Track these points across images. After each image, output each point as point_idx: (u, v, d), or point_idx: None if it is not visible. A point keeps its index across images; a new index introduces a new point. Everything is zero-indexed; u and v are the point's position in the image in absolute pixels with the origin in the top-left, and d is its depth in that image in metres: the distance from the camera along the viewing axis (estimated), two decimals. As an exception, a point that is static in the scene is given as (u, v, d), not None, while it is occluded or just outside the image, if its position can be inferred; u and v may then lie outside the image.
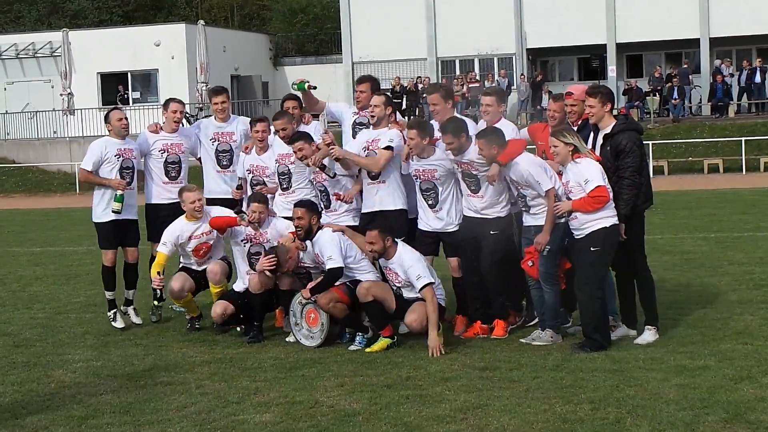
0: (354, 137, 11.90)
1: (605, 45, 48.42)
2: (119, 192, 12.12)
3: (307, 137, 11.51)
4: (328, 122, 12.55)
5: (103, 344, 11.49)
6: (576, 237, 10.19)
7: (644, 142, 11.05)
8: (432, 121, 11.45)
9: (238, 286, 11.79)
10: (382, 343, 10.56)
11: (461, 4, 49.03)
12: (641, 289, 10.73)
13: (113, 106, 13.01)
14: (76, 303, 14.35)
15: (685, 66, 46.60)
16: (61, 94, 49.03)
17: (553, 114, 11.16)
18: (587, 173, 10.01)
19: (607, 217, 10.04)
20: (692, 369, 9.25)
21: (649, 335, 10.50)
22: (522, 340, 10.70)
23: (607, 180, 10.10)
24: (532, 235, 10.49)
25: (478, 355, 10.13)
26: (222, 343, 11.36)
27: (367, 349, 10.47)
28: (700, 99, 47.19)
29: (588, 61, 49.19)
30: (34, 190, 44.97)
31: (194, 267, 12.11)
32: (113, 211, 12.17)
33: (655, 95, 44.45)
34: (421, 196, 11.16)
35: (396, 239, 10.71)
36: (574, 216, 10.08)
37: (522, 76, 48.15)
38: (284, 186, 12.05)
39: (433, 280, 10.48)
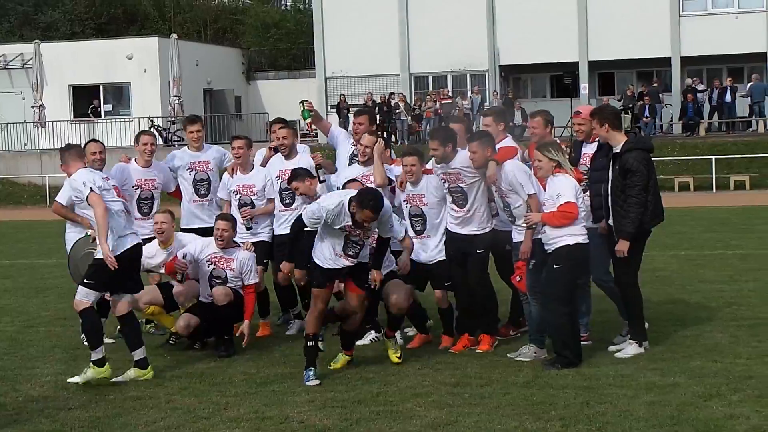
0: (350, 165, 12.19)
1: (577, 63, 48.63)
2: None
3: (302, 175, 11.70)
4: (326, 142, 12.98)
5: (73, 358, 11.42)
6: (546, 252, 10.26)
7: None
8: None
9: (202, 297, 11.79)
10: (343, 360, 10.53)
11: (435, 20, 49.12)
12: (628, 304, 10.81)
13: (91, 139, 12.62)
14: (46, 316, 14.27)
15: (656, 84, 46.85)
16: (32, 106, 48.86)
17: (532, 130, 11.38)
18: (560, 188, 10.09)
19: (571, 235, 10.09)
20: (662, 386, 9.29)
21: (630, 349, 10.56)
22: (509, 355, 10.72)
23: (581, 198, 10.21)
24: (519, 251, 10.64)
25: (449, 371, 10.13)
26: (192, 357, 11.31)
27: (330, 366, 10.39)
28: (671, 117, 47.46)
29: (560, 78, 49.32)
30: (4, 202, 44.70)
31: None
32: None
33: (627, 113, 44.62)
34: (409, 223, 11.25)
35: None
36: (544, 230, 10.17)
37: (495, 93, 48.29)
38: (287, 201, 12.19)
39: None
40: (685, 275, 16.08)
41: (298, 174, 11.72)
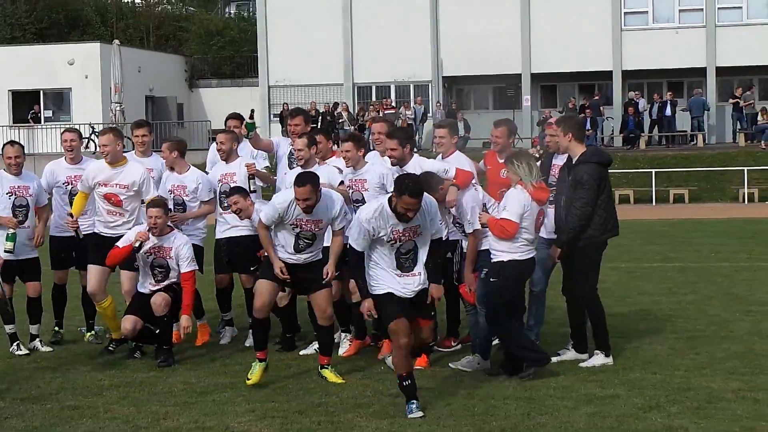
0: (291, 167, 12.18)
1: (520, 75, 48.92)
2: (11, 231, 11.60)
3: (243, 192, 11.68)
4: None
5: (9, 366, 11.28)
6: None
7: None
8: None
9: (143, 289, 11.50)
10: (260, 369, 10.15)
11: (378, 30, 49.19)
12: (590, 316, 10.83)
13: (8, 141, 12.44)
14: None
15: (597, 97, 47.24)
16: (-30, 111, 48.34)
17: (495, 140, 11.38)
18: (509, 202, 10.08)
19: (507, 252, 10.06)
20: (602, 398, 9.33)
21: (598, 359, 10.64)
22: (451, 365, 10.72)
23: (529, 219, 10.15)
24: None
25: (390, 381, 10.10)
26: (131, 366, 11.21)
27: (248, 381, 10.02)
28: (612, 130, 47.87)
29: (503, 90, 49.62)
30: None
31: (106, 231, 11.79)
32: (6, 251, 11.57)
33: (538, 125, 44.92)
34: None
35: None
36: (487, 237, 10.23)
37: (438, 104, 48.43)
38: (225, 205, 12.04)
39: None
40: (624, 287, 16.20)
41: (240, 191, 11.68)
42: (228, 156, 12.35)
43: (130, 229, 11.53)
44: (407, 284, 9.29)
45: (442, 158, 11.23)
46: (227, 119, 13.06)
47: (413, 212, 8.99)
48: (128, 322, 11.20)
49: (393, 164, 10.93)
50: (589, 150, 10.68)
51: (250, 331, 12.09)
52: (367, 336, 11.67)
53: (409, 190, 8.93)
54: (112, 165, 11.70)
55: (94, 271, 11.73)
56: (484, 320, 10.46)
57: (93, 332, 12.62)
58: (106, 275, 11.80)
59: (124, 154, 12.03)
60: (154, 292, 11.31)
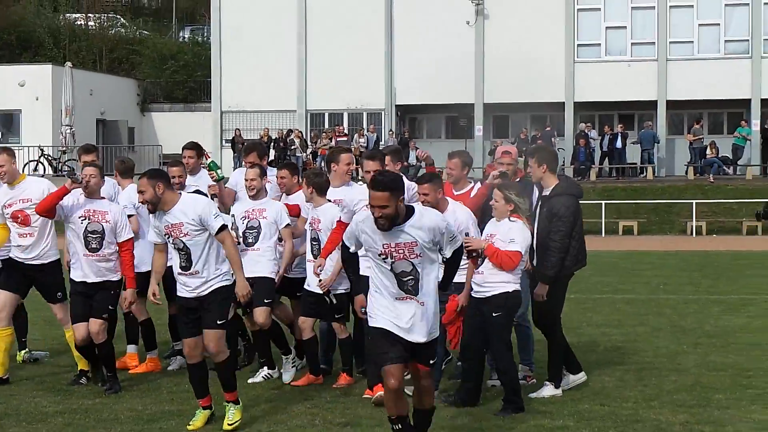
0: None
1: (473, 104, 49.14)
2: None
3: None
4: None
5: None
6: (475, 296, 10.01)
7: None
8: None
9: (76, 274, 11.14)
10: (203, 416, 9.67)
11: (332, 57, 49.26)
12: (550, 346, 10.86)
13: None
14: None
15: (549, 128, 47.52)
16: None
17: (449, 171, 11.30)
18: (516, 235, 9.87)
19: (511, 282, 9.93)
20: (551, 429, 9.33)
21: (547, 390, 10.65)
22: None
23: (528, 252, 10.15)
24: None
25: (339, 410, 10.05)
26: (77, 393, 11.06)
27: (189, 427, 9.59)
28: (563, 161, 48.12)
29: (456, 119, 49.82)
30: None
31: (20, 256, 11.49)
32: None
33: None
34: (309, 246, 11.24)
35: None
36: (481, 270, 9.92)
37: (390, 132, 48.52)
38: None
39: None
40: (573, 318, 16.20)
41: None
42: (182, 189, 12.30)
43: (45, 253, 11.42)
44: (404, 314, 8.09)
45: (454, 191, 11.05)
46: (183, 149, 12.91)
47: (379, 211, 7.88)
48: (79, 331, 10.98)
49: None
50: (563, 182, 10.73)
51: (177, 357, 12.30)
52: (320, 375, 11.52)
53: (373, 181, 8.07)
54: (11, 184, 11.59)
55: (1, 296, 11.56)
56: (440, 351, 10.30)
57: (28, 350, 12.56)
58: (12, 302, 11.59)
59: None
60: (90, 267, 10.97)
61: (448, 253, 8.26)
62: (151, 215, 9.70)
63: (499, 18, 48.76)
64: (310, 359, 11.55)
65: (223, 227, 9.36)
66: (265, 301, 11.16)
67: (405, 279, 8.05)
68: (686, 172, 46.22)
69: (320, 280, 10.94)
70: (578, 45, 48.82)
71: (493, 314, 9.89)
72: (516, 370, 10.35)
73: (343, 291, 11.14)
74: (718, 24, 47.93)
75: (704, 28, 48.07)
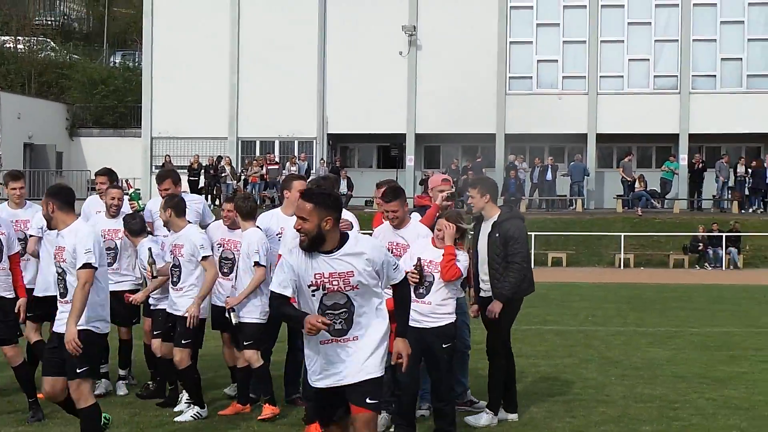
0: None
1: (405, 135, 49.25)
2: None
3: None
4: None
5: None
6: (418, 326, 9.62)
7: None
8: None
9: None
10: None
11: (264, 85, 49.15)
12: (492, 371, 10.84)
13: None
14: None
15: (480, 160, 47.69)
16: None
17: (377, 201, 11.24)
18: (462, 258, 9.87)
19: (455, 312, 9.89)
20: (478, 461, 9.24)
21: (483, 418, 10.65)
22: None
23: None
24: None
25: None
26: (-6, 421, 10.79)
27: None
28: (494, 192, 48.22)
29: (387, 149, 49.90)
30: None
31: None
32: None
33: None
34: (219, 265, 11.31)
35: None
36: (428, 300, 9.71)
37: (322, 161, 48.44)
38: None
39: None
40: (503, 349, 16.20)
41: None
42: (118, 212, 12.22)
43: None
44: (331, 357, 7.21)
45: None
46: (96, 174, 12.74)
47: (299, 224, 7.08)
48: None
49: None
50: (506, 209, 10.89)
51: (120, 382, 12.14)
52: (248, 405, 11.33)
53: (305, 192, 7.40)
54: None
55: None
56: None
57: None
58: None
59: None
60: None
61: (398, 276, 7.39)
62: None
63: (431, 49, 48.98)
64: (239, 387, 11.38)
65: (85, 266, 8.64)
66: (183, 342, 10.92)
67: (336, 313, 7.12)
68: (615, 205, 46.60)
69: (228, 302, 10.97)
70: (510, 77, 49.17)
71: (444, 345, 9.76)
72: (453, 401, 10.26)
73: (255, 320, 10.98)
74: (648, 59, 48.53)
75: (634, 63, 48.65)
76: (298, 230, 7.09)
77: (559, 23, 48.90)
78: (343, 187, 44.77)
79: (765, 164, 45.75)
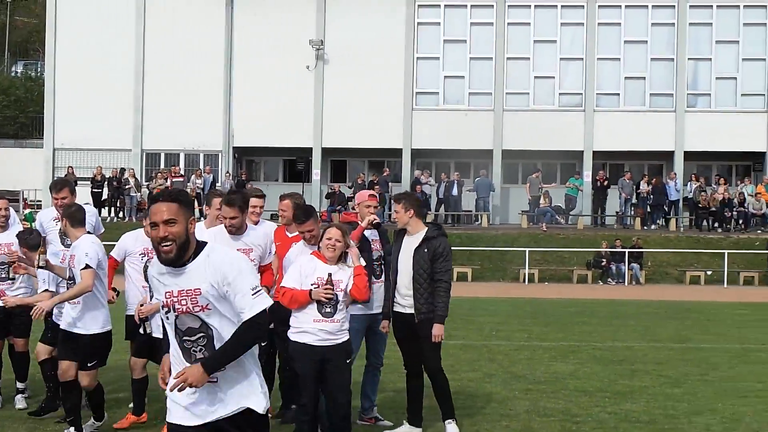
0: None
1: (311, 148, 49.14)
2: None
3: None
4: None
5: None
6: (320, 346, 9.46)
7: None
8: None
9: None
10: None
11: (170, 97, 48.70)
12: (439, 389, 10.84)
13: None
14: None
15: (386, 174, 47.74)
16: None
17: (282, 213, 11.25)
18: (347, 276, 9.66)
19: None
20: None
21: (451, 429, 10.72)
22: None
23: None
24: None
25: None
26: None
27: None
28: (400, 207, 48.28)
29: (294, 163, 49.73)
30: None
31: None
32: None
33: (378, 203, 45.12)
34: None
35: None
36: (337, 319, 9.45)
37: (227, 174, 48.09)
38: (2, 276, 11.62)
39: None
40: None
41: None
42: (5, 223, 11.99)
43: None
44: (202, 394, 6.00)
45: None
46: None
47: (164, 229, 5.87)
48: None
49: (233, 232, 10.62)
50: (432, 225, 10.91)
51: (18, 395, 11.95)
52: (144, 414, 11.14)
53: (163, 192, 6.26)
54: None
55: None
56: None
57: None
58: None
59: None
60: None
61: (246, 314, 5.90)
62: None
63: (339, 63, 48.97)
64: (135, 399, 11.17)
65: None
66: (89, 365, 10.51)
67: (193, 339, 5.94)
68: (520, 221, 46.95)
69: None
70: (417, 92, 49.33)
71: (347, 360, 9.64)
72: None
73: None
74: (553, 77, 49.04)
75: (540, 81, 49.12)
76: (161, 240, 5.86)
77: (466, 39, 49.19)
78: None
79: (666, 181, 46.47)
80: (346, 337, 9.56)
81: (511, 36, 49.11)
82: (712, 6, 48.49)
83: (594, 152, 48.41)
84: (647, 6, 48.62)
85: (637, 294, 35.14)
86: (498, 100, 48.89)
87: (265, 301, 5.91)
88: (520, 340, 20.27)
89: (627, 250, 40.74)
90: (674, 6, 48.41)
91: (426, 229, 10.73)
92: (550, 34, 49.00)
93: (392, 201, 11.26)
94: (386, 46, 48.91)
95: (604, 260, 40.83)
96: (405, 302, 10.73)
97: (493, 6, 48.93)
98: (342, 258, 9.58)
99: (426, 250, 10.59)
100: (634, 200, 46.80)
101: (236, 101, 49.51)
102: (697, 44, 48.73)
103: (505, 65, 49.01)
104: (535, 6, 48.95)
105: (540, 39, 49.01)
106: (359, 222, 11.09)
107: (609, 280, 40.53)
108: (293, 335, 9.50)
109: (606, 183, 46.62)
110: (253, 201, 11.33)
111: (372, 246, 11.15)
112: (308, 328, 9.41)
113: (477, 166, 49.44)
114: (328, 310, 9.41)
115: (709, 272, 41.11)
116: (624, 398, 13.50)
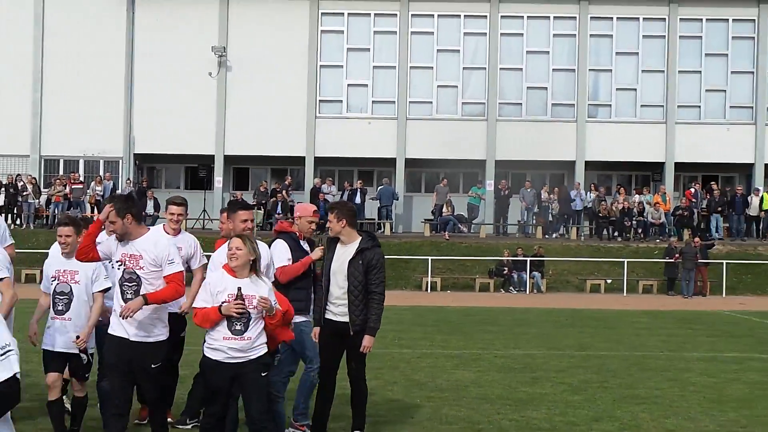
0: None
1: (213, 156, 48.74)
2: None
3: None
4: None
5: None
6: (233, 363, 9.22)
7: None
8: None
9: None
10: None
11: (69, 102, 47.98)
12: (358, 396, 10.91)
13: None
14: None
15: (287, 182, 47.52)
16: None
17: (221, 226, 11.27)
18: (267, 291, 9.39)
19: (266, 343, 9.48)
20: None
21: None
22: None
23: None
24: None
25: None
26: None
27: None
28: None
29: (195, 170, 49.26)
30: None
31: None
32: None
33: (259, 209, 44.98)
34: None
35: None
36: (248, 336, 9.16)
37: (128, 181, 47.50)
38: None
39: None
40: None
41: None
42: None
43: None
44: None
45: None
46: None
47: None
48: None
49: (118, 239, 10.16)
50: (366, 235, 10.92)
51: None
52: None
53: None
54: None
55: None
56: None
57: None
58: None
59: None
60: None
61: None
62: None
63: (241, 70, 48.70)
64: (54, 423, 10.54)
65: None
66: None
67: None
68: (423, 229, 47.07)
69: (77, 336, 10.19)
70: (320, 100, 49.22)
71: (263, 374, 9.31)
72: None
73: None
74: (456, 86, 49.27)
75: (442, 90, 49.31)
76: None
77: (369, 48, 49.24)
78: (149, 208, 43.97)
79: (567, 191, 46.90)
80: (260, 351, 9.25)
81: (414, 45, 49.24)
82: (612, 18, 49.17)
83: (496, 161, 48.70)
84: (549, 17, 49.10)
85: (539, 302, 35.41)
86: (401, 109, 48.97)
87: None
88: (422, 348, 20.26)
89: (528, 259, 41.05)
90: (575, 17, 48.96)
91: (360, 239, 10.75)
92: (453, 43, 49.22)
93: (326, 211, 11.21)
94: (289, 53, 48.77)
95: (506, 269, 41.09)
96: (337, 310, 10.70)
97: (396, 15, 49.04)
98: (254, 270, 9.30)
99: (361, 262, 10.59)
100: (535, 209, 47.17)
101: (137, 107, 48.93)
102: (597, 56, 49.38)
103: (408, 74, 49.11)
104: (439, 15, 49.13)
105: (444, 48, 49.21)
106: (296, 232, 11.20)
107: (511, 288, 40.79)
108: (205, 350, 9.30)
109: (508, 192, 46.94)
110: (171, 209, 11.19)
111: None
112: (218, 345, 9.19)
113: (380, 174, 49.47)
114: (238, 327, 9.14)
115: (609, 281, 41.61)
116: (525, 405, 13.54)
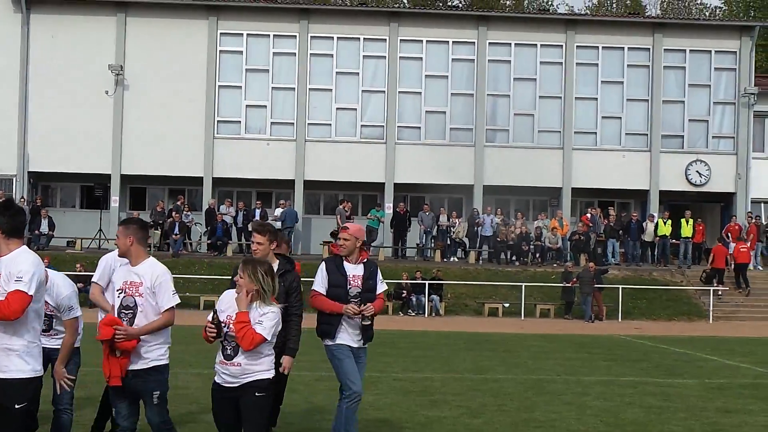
0: None
1: (110, 175, 48.11)
2: None
3: None
4: None
5: None
6: (229, 387, 9.04)
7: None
8: None
9: None
10: None
11: (-39, 119, 47.04)
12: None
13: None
14: None
15: (180, 202, 47.07)
16: None
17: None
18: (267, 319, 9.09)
19: (271, 370, 9.16)
20: None
21: None
22: None
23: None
24: None
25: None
26: None
27: None
28: (200, 236, 47.77)
29: (91, 189, 48.53)
30: None
31: None
32: None
33: (156, 229, 44.52)
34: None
35: None
36: (237, 362, 8.92)
37: (22, 199, 46.61)
38: None
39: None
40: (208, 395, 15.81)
41: None
42: None
43: None
44: None
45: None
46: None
47: None
48: None
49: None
50: (283, 258, 11.26)
51: None
52: None
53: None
54: None
55: None
56: None
57: None
58: None
59: None
60: None
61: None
62: None
63: (139, 89, 48.20)
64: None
65: None
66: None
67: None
68: (322, 251, 46.92)
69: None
70: (218, 121, 48.88)
71: (257, 394, 8.95)
72: None
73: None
74: (355, 109, 49.32)
75: (342, 112, 49.33)
76: None
77: (269, 69, 49.09)
78: (44, 227, 43.21)
79: (476, 215, 47.05)
80: (253, 377, 8.95)
81: (314, 67, 49.19)
82: (510, 44, 49.67)
83: (395, 184, 48.80)
84: (448, 41, 49.45)
85: (437, 325, 35.50)
86: (300, 131, 48.85)
87: None
88: (321, 371, 20.10)
89: (427, 282, 41.15)
90: (474, 42, 49.37)
91: (278, 262, 10.83)
92: (352, 65, 49.29)
93: (253, 232, 11.13)
94: (187, 73, 48.41)
95: (404, 291, 41.14)
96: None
97: (295, 36, 48.98)
98: (261, 298, 8.99)
99: (282, 284, 10.46)
100: (434, 233, 47.32)
101: (32, 124, 48.10)
102: (495, 82, 49.80)
103: (307, 96, 49.04)
104: (338, 38, 49.19)
105: (342, 71, 49.25)
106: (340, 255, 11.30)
107: (409, 311, 40.84)
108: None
109: (407, 215, 47.06)
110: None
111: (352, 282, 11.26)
112: (217, 368, 9.15)
113: (279, 196, 49.26)
114: (228, 352, 9.00)
115: (506, 304, 41.87)
116: (424, 429, 13.51)
